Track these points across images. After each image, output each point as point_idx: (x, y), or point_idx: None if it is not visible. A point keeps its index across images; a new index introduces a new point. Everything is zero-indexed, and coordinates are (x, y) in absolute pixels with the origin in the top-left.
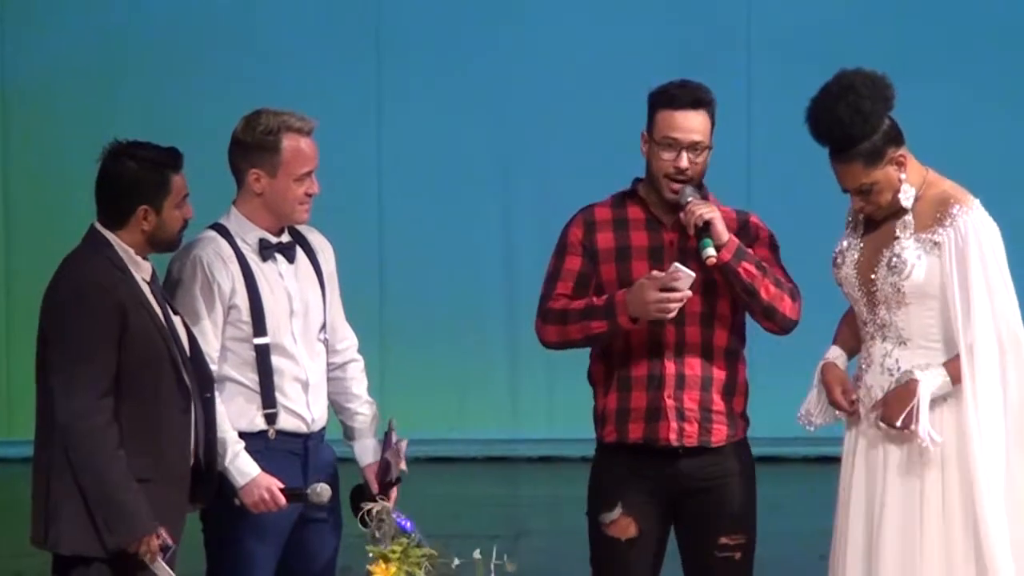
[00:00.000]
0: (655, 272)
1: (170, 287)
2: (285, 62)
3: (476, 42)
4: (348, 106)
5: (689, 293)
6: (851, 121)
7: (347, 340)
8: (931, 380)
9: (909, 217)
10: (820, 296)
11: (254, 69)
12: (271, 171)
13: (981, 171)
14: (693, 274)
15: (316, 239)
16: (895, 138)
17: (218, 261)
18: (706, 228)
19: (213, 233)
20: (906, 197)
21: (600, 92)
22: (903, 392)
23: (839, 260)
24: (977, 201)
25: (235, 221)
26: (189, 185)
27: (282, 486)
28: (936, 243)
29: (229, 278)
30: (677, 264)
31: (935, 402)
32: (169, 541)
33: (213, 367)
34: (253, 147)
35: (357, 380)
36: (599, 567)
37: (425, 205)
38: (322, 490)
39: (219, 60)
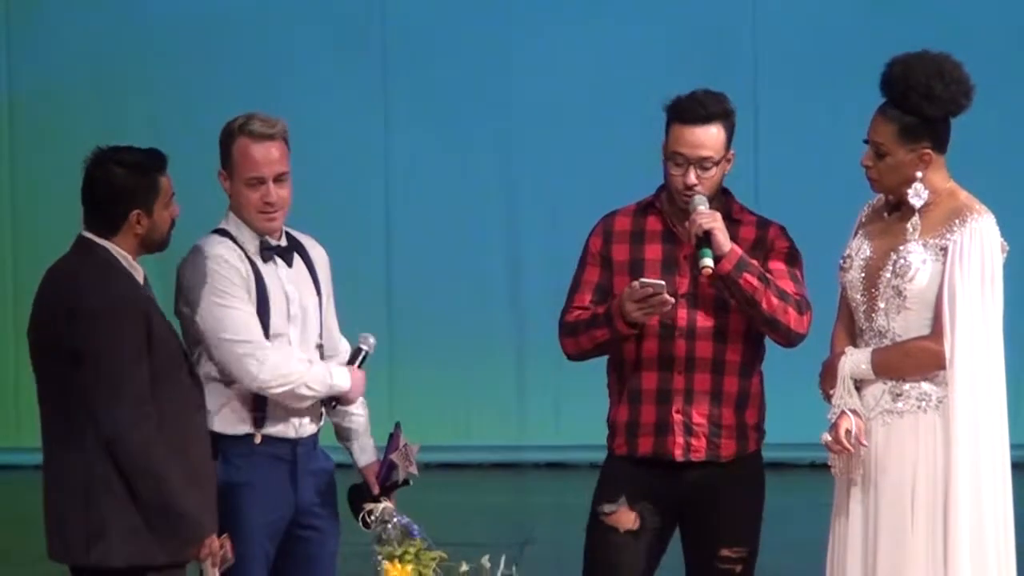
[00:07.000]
0: (633, 283)
1: (188, 289)
2: (291, 70)
3: (483, 55)
4: (354, 120)
5: (671, 300)
6: (914, 87)
7: (342, 349)
8: (853, 359)
9: (916, 219)
10: (829, 306)
11: (262, 75)
12: (231, 172)
13: (994, 180)
14: (662, 283)
15: (311, 245)
16: (936, 137)
17: (234, 257)
18: (707, 238)
19: (219, 236)
20: (914, 195)
21: (607, 105)
22: (831, 364)
23: (846, 264)
24: (991, 214)
25: (234, 225)
26: (198, 188)
27: None
28: (943, 248)
29: (246, 275)
30: (642, 279)
31: (926, 405)
32: (230, 554)
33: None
34: (221, 146)
35: None
36: (589, 553)
37: (432, 218)
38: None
39: (227, 66)
